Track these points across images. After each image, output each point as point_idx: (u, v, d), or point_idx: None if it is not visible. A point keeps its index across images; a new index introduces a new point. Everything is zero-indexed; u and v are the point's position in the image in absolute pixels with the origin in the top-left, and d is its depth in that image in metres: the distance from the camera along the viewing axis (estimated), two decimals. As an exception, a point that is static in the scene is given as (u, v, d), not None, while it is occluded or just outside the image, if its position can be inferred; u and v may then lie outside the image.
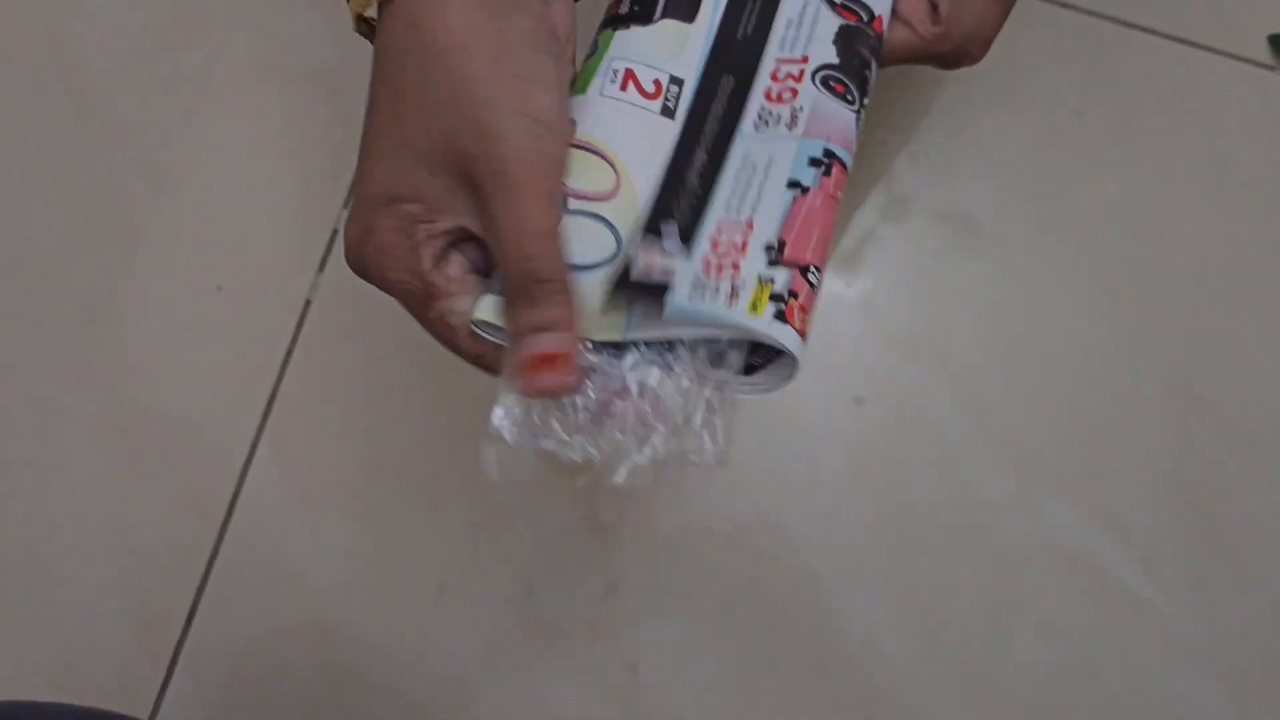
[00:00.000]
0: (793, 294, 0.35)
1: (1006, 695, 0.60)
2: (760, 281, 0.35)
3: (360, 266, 0.36)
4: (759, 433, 0.62)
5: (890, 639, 0.61)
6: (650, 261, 0.35)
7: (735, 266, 0.36)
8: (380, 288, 0.36)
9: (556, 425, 0.36)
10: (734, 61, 0.40)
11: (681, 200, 0.37)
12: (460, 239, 0.36)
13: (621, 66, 0.39)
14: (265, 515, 0.62)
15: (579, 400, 0.36)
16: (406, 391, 0.63)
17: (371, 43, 0.36)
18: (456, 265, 0.36)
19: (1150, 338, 0.63)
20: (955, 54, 0.43)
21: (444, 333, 0.36)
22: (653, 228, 0.36)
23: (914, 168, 0.64)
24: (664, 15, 0.40)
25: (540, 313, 0.34)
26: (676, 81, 0.39)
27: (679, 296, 0.35)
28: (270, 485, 0.62)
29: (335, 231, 0.64)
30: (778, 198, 0.38)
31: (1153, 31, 0.66)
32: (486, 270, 0.37)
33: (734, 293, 0.35)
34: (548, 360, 0.35)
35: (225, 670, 0.61)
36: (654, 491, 0.62)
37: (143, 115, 0.66)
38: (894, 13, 0.43)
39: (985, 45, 0.43)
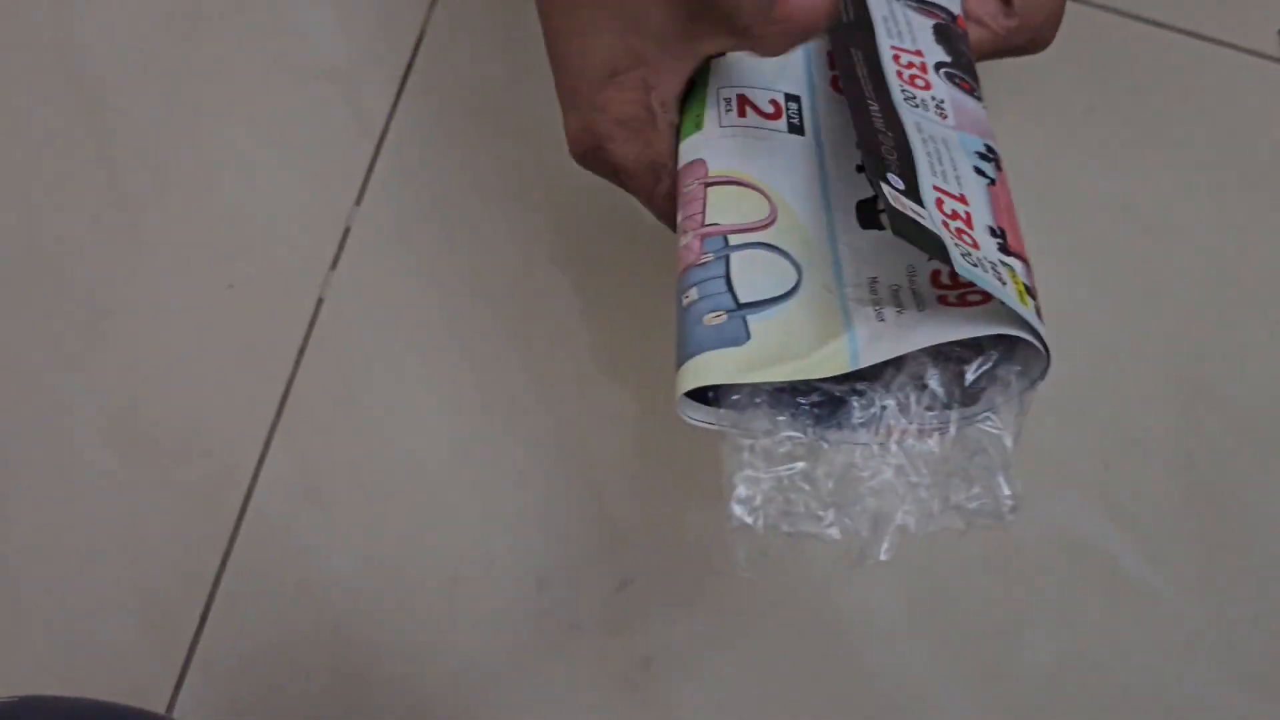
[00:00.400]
0: (1032, 292, 0.31)
1: (1016, 688, 0.60)
2: (1006, 265, 0.31)
3: (594, 152, 0.35)
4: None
5: (900, 634, 0.61)
6: (898, 199, 0.30)
7: (973, 243, 0.31)
8: (614, 169, 0.35)
9: (803, 502, 0.31)
10: (852, 38, 0.37)
11: (883, 148, 0.33)
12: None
13: (732, 94, 0.36)
14: (278, 514, 0.62)
15: (820, 469, 0.31)
16: (417, 390, 0.63)
17: None
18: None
19: (1158, 328, 0.63)
20: (1030, 43, 0.42)
21: (674, 210, 0.35)
22: (875, 177, 0.31)
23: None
24: None
25: None
26: (793, 99, 0.37)
27: (955, 254, 0.29)
28: (283, 484, 0.62)
29: (347, 229, 0.64)
30: (973, 180, 0.34)
31: (1162, 25, 0.66)
32: None
33: (994, 270, 0.30)
34: None
35: (239, 670, 0.61)
36: (666, 483, 0.62)
37: (151, 113, 0.66)
38: (964, 13, 0.41)
39: (1057, 25, 0.42)
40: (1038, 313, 0.30)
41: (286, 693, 0.61)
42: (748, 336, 0.32)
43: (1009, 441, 0.31)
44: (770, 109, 0.37)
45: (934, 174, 0.33)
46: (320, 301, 0.64)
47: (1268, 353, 0.63)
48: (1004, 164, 0.36)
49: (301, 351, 0.63)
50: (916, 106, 0.36)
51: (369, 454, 0.62)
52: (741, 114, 0.36)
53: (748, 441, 0.31)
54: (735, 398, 0.32)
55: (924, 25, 0.40)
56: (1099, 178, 0.64)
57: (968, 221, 0.32)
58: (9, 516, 0.62)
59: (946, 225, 0.31)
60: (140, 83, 0.66)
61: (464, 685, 0.61)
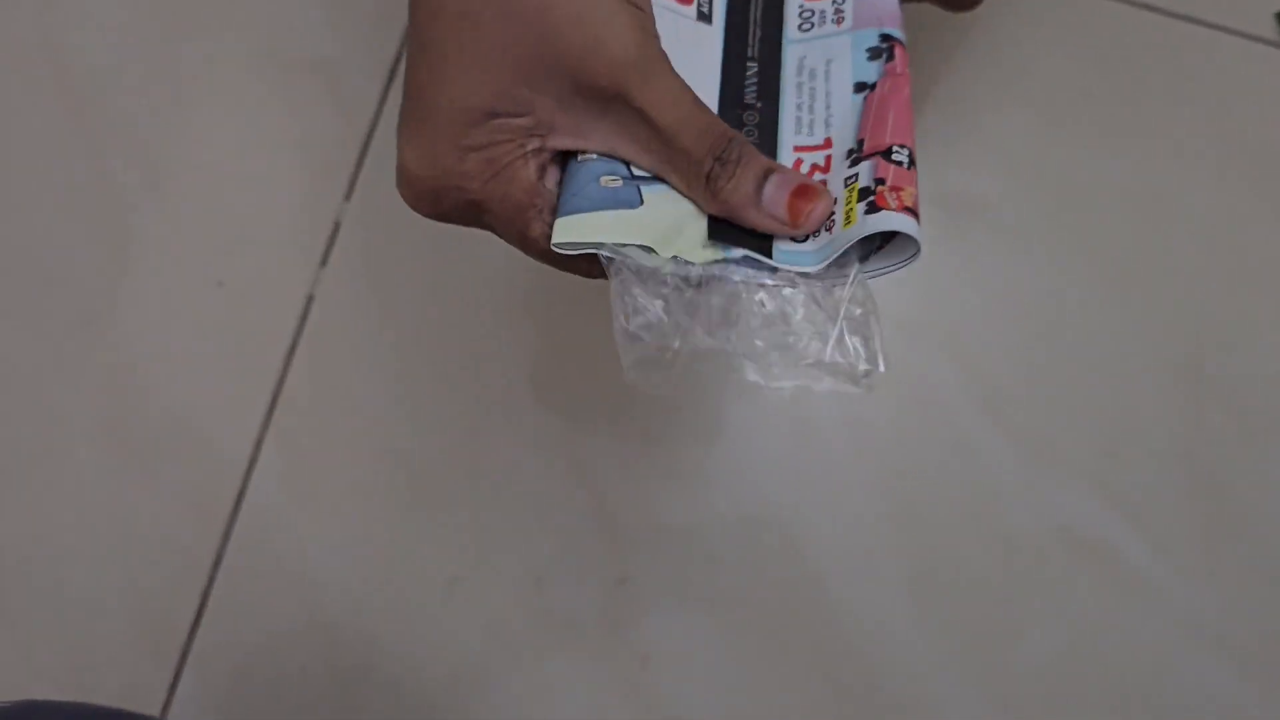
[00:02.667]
0: (879, 181, 0.33)
1: (1018, 680, 0.60)
2: (846, 186, 0.33)
3: (442, 189, 0.33)
4: (768, 421, 0.62)
5: (901, 626, 0.60)
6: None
7: (823, 186, 0.34)
8: (464, 211, 0.33)
9: (692, 323, 0.33)
10: None
11: (745, 119, 0.35)
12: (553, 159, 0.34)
13: None
14: (271, 513, 0.61)
15: (707, 298, 0.33)
16: (411, 386, 0.62)
17: None
18: (551, 182, 0.34)
19: (1159, 317, 0.63)
20: None
21: (547, 251, 0.34)
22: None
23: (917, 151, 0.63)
24: None
25: (754, 164, 0.32)
26: None
27: (780, 255, 0.33)
28: (275, 483, 0.62)
29: (337, 225, 0.63)
30: (848, 105, 0.35)
31: (1158, 10, 0.65)
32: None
33: (829, 224, 0.33)
34: (802, 193, 0.33)
35: (233, 670, 0.61)
36: (663, 479, 0.61)
37: (139, 110, 0.65)
38: None
39: None
40: (873, 207, 0.32)
41: (281, 692, 0.60)
42: (640, 202, 0.33)
43: (874, 314, 0.34)
44: None
45: (798, 130, 0.35)
46: (311, 298, 0.63)
47: (1269, 340, 0.62)
48: (905, 40, 0.37)
49: (292, 349, 0.62)
50: (809, 29, 0.37)
51: (363, 451, 0.62)
52: None
53: (635, 266, 0.33)
54: (623, 271, 0.34)
55: None
56: (1096, 162, 0.64)
57: (825, 168, 0.34)
58: (1, 519, 0.62)
59: None
60: (128, 78, 0.65)
61: (462, 683, 0.60)
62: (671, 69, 0.32)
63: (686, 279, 0.33)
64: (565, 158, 0.34)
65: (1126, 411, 0.62)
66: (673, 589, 0.60)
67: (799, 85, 0.36)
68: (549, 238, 0.33)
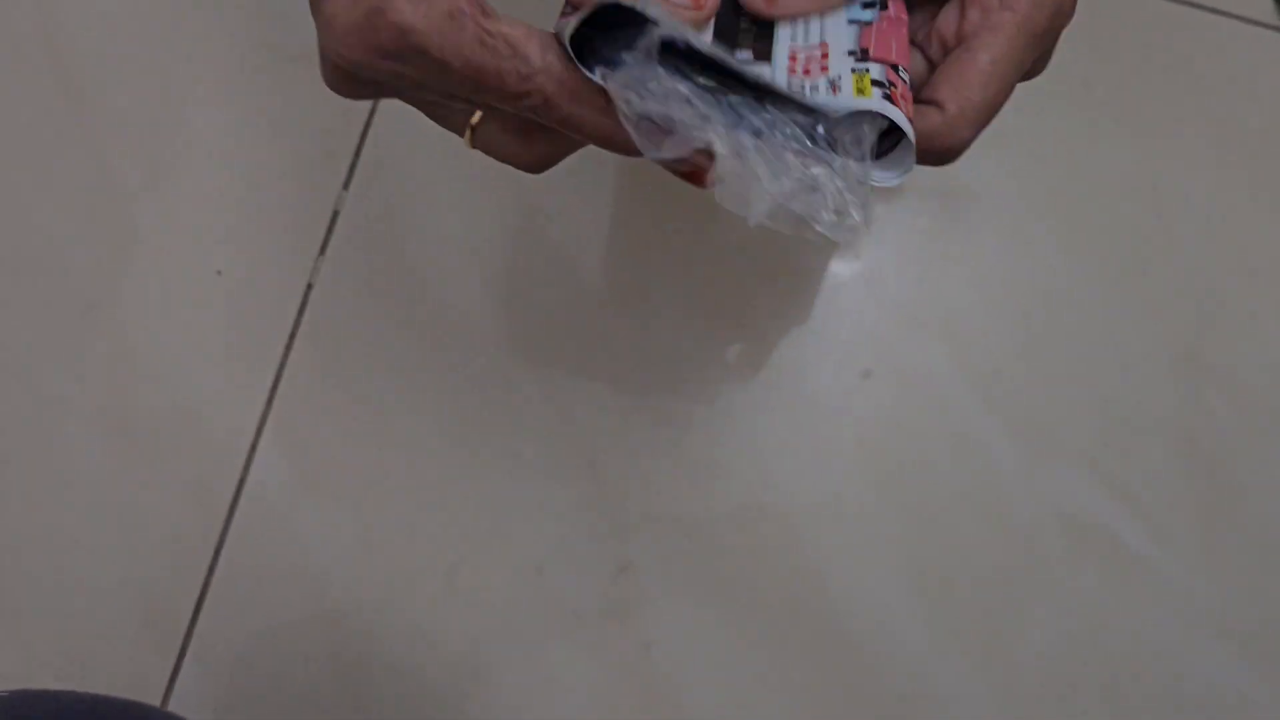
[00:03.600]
0: (891, 84, 0.33)
1: (1020, 665, 0.60)
2: (855, 72, 0.34)
3: (370, 16, 0.31)
4: (770, 409, 0.62)
5: (902, 615, 0.60)
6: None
7: (823, 67, 0.34)
8: (398, 39, 0.31)
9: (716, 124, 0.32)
10: None
11: (740, 28, 0.35)
12: None
13: None
14: (271, 502, 0.61)
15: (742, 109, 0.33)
16: (410, 374, 0.62)
17: None
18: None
19: (1157, 303, 0.63)
20: (946, 151, 0.37)
21: (485, 59, 0.31)
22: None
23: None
24: None
25: None
26: None
27: (778, 77, 0.33)
28: (275, 472, 0.61)
29: (336, 213, 0.63)
30: (843, 29, 0.35)
31: (1158, -5, 0.65)
32: None
33: (834, 86, 0.33)
34: None
35: (235, 659, 0.61)
36: (664, 468, 0.62)
37: (135, 101, 0.65)
38: None
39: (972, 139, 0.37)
40: (889, 98, 0.33)
41: (284, 681, 0.60)
42: None
43: (867, 180, 0.34)
44: None
45: (793, 38, 0.35)
46: (310, 287, 0.63)
47: (1267, 327, 0.62)
48: None
49: (292, 337, 0.62)
50: None
51: (363, 440, 0.62)
52: None
53: (674, 34, 0.32)
54: (628, 61, 0.32)
55: None
56: (1095, 150, 0.64)
57: (823, 58, 0.34)
58: (1, 509, 0.62)
59: (793, 68, 0.34)
60: (125, 69, 0.65)
61: (464, 671, 0.60)
62: None
63: (692, 76, 0.32)
64: None
65: (1126, 399, 0.62)
66: (674, 577, 0.60)
67: (792, 25, 0.36)
68: (485, 44, 0.31)
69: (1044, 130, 0.64)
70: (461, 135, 0.35)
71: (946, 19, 0.36)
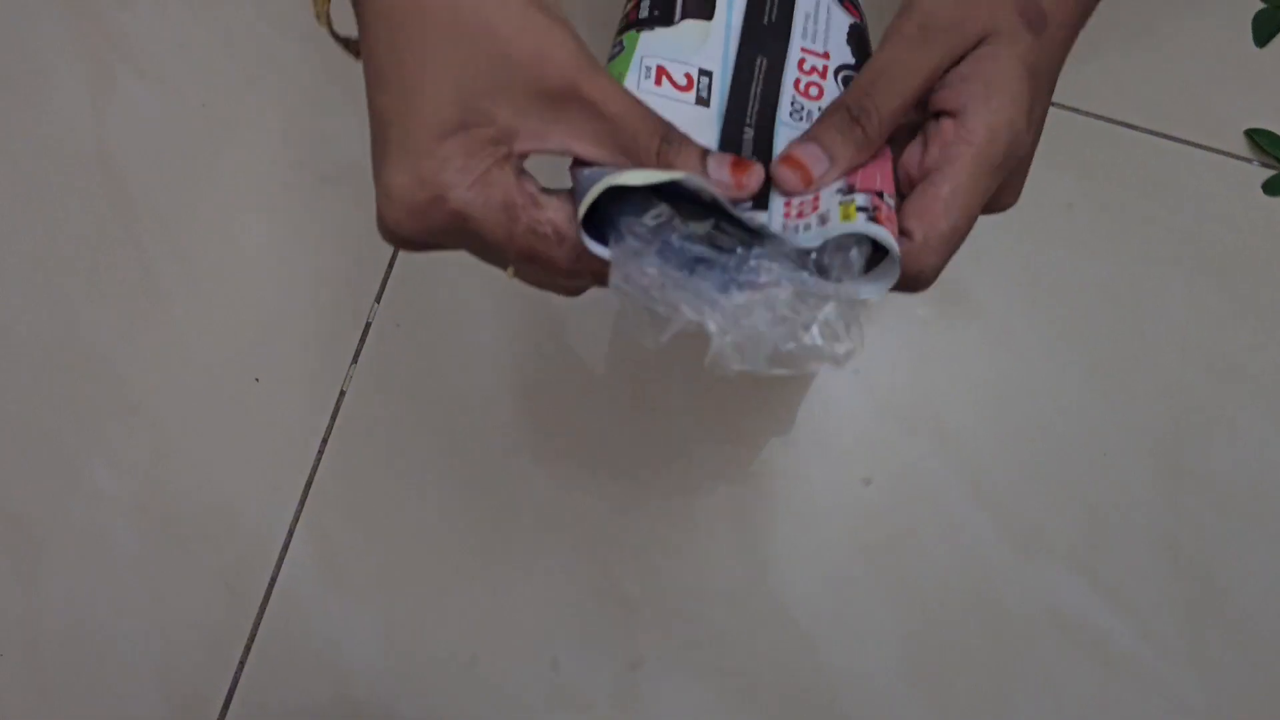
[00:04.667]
0: (874, 207, 0.36)
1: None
2: (841, 204, 0.37)
3: (431, 205, 0.34)
4: (775, 517, 0.65)
5: (899, 709, 0.63)
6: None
7: (815, 206, 0.37)
8: (460, 220, 0.34)
9: (683, 304, 0.35)
10: (764, 45, 0.42)
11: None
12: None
13: (653, 64, 0.41)
14: (301, 598, 0.64)
15: (705, 280, 0.36)
16: (435, 475, 0.65)
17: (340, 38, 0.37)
18: (530, 183, 0.35)
19: (1139, 409, 0.66)
20: (914, 280, 0.39)
21: (535, 246, 0.35)
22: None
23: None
24: (684, 16, 0.42)
25: (694, 143, 0.36)
26: (705, 73, 0.41)
27: (774, 222, 0.36)
28: (306, 569, 0.65)
29: (368, 324, 0.67)
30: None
31: (1137, 127, 0.70)
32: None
33: (823, 219, 0.37)
34: (739, 165, 0.36)
35: (263, 748, 0.63)
36: (674, 565, 0.64)
37: (180, 213, 0.69)
38: None
39: (938, 271, 0.39)
40: (874, 219, 0.36)
41: (309, 771, 0.63)
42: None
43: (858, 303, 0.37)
44: (684, 81, 0.41)
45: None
46: (342, 394, 0.67)
47: (1242, 432, 0.66)
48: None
49: (325, 441, 0.66)
50: (800, 120, 0.41)
51: (389, 538, 0.65)
52: (658, 83, 0.40)
53: (641, 229, 0.36)
54: (627, 239, 0.36)
55: (841, 25, 0.44)
56: (1078, 265, 0.68)
57: (814, 199, 0.38)
58: (39, 598, 0.65)
59: (788, 214, 0.37)
60: (171, 182, 0.70)
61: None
62: (606, 72, 0.36)
63: (686, 246, 0.36)
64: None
65: (1111, 500, 0.65)
66: (685, 672, 0.63)
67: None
68: (536, 232, 0.35)
69: (1031, 248, 0.68)
70: (504, 270, 0.38)
71: (910, 155, 0.38)
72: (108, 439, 0.66)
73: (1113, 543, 0.65)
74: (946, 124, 0.37)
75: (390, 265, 0.68)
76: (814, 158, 0.37)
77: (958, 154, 0.36)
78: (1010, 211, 0.70)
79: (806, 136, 0.38)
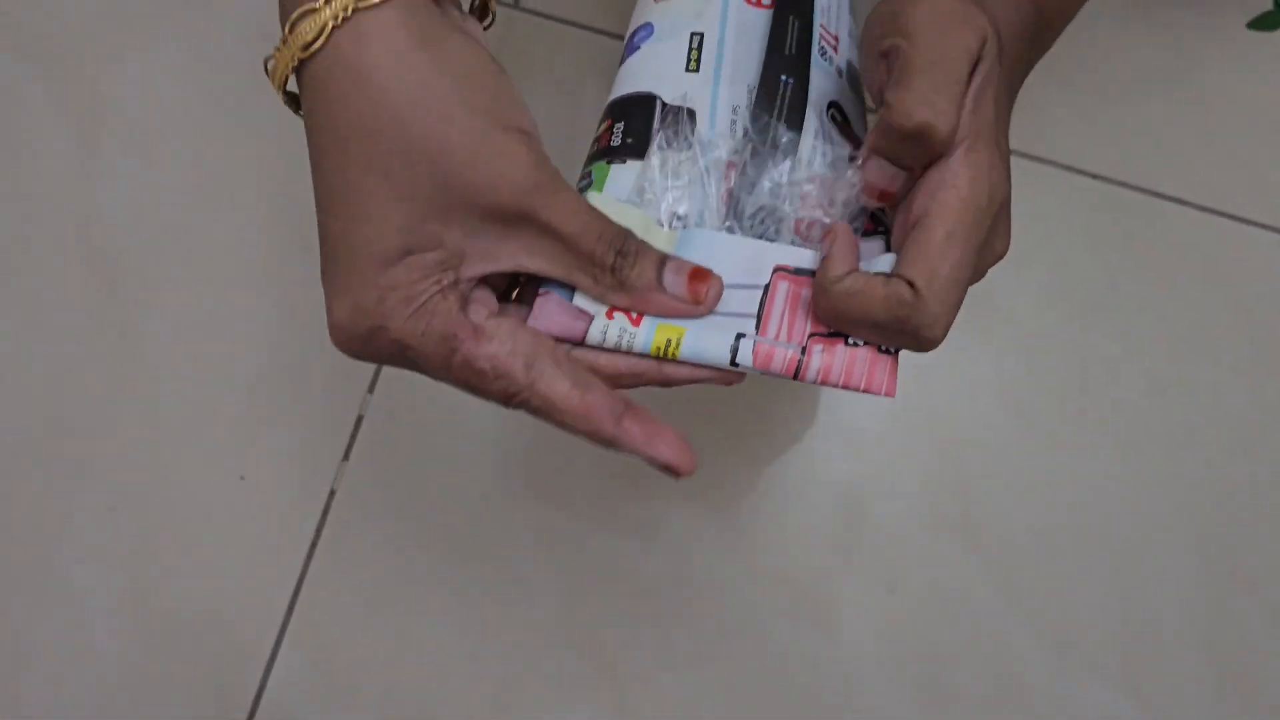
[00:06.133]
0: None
1: None
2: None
3: (371, 334, 0.34)
4: (798, 622, 0.61)
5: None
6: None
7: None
8: (390, 350, 0.34)
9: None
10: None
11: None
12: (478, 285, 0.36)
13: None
14: (291, 706, 0.61)
15: None
16: (429, 579, 0.62)
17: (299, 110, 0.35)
18: (479, 310, 0.35)
19: (1183, 505, 0.62)
20: (918, 332, 0.37)
21: (472, 379, 0.35)
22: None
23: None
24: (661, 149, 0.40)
25: (650, 254, 0.36)
26: (696, 35, 0.41)
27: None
28: (296, 676, 0.61)
29: (360, 419, 0.64)
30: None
31: (1183, 202, 0.65)
32: (498, 313, 0.36)
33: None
34: (697, 275, 0.36)
35: None
36: (685, 679, 0.61)
37: (165, 290, 0.65)
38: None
39: (946, 326, 0.37)
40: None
41: None
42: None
43: None
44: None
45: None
46: (333, 493, 0.63)
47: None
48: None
49: (314, 544, 0.62)
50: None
51: (383, 645, 0.62)
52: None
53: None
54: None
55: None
56: (1124, 353, 0.64)
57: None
58: (20, 701, 0.62)
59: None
60: (156, 254, 0.66)
61: None
62: (566, 184, 0.35)
63: None
64: (482, 288, 0.36)
65: (1149, 604, 0.61)
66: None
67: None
68: (473, 367, 0.34)
69: (1073, 330, 0.64)
70: None
71: (903, 212, 0.37)
72: (87, 539, 0.63)
73: (1152, 648, 0.61)
74: (930, 174, 0.36)
75: (383, 353, 0.64)
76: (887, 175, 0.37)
77: (945, 199, 0.35)
78: (1050, 288, 0.66)
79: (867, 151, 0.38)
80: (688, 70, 0.41)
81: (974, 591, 0.62)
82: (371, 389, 0.64)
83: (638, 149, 0.39)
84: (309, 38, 0.33)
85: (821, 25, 0.43)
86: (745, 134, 0.39)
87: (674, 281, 0.36)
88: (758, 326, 0.36)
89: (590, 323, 0.36)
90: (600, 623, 0.62)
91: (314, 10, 0.32)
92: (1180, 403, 0.63)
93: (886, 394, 0.36)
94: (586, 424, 0.35)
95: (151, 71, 0.68)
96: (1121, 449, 0.63)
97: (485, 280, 0.36)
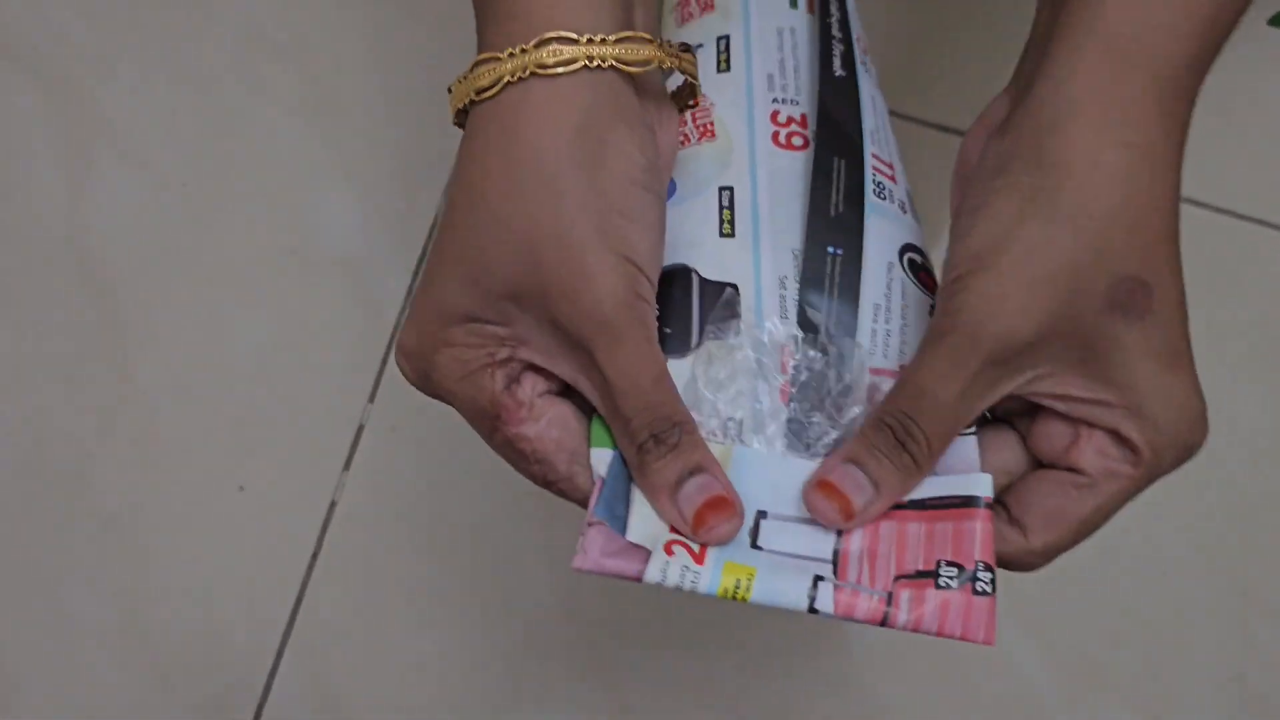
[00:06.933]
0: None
1: None
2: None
3: (423, 372, 0.34)
4: (810, 643, 0.60)
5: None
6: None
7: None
8: (441, 398, 0.34)
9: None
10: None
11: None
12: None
13: None
14: (292, 724, 0.60)
15: None
16: (431, 595, 0.61)
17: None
18: (528, 387, 0.33)
19: (1203, 528, 0.61)
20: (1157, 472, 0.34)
21: (513, 457, 0.34)
22: None
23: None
24: (701, 342, 0.35)
25: (682, 457, 0.32)
26: (726, 190, 0.37)
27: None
28: (296, 695, 0.60)
29: (361, 427, 0.62)
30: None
31: (1200, 204, 0.63)
32: (556, 391, 0.34)
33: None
34: (713, 507, 0.32)
35: None
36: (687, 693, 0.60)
37: (160, 305, 0.64)
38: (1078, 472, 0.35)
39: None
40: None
41: None
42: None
43: None
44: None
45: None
46: (334, 504, 0.62)
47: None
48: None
49: (314, 556, 0.61)
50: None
51: (385, 663, 0.60)
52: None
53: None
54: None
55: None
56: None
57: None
58: (14, 718, 0.61)
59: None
60: (151, 271, 0.64)
61: None
62: (645, 336, 0.32)
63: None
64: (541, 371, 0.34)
65: (1174, 632, 0.60)
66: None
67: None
68: (514, 446, 0.33)
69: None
70: None
71: (1048, 436, 0.33)
72: (83, 557, 0.61)
73: (1174, 678, 0.59)
74: (1103, 439, 0.32)
75: (384, 362, 0.63)
76: (855, 485, 0.33)
77: (1120, 472, 0.32)
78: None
79: (844, 456, 0.33)
80: (722, 235, 0.36)
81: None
82: (372, 398, 0.63)
83: (679, 342, 0.35)
84: (483, 84, 0.32)
85: (874, 155, 0.37)
86: (795, 324, 0.35)
87: (687, 498, 0.32)
88: (835, 568, 0.32)
89: (647, 562, 0.32)
90: (603, 634, 0.60)
91: (496, 60, 0.32)
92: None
93: (985, 642, 0.31)
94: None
95: (144, 83, 0.67)
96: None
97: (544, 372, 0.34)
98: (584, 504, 0.34)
